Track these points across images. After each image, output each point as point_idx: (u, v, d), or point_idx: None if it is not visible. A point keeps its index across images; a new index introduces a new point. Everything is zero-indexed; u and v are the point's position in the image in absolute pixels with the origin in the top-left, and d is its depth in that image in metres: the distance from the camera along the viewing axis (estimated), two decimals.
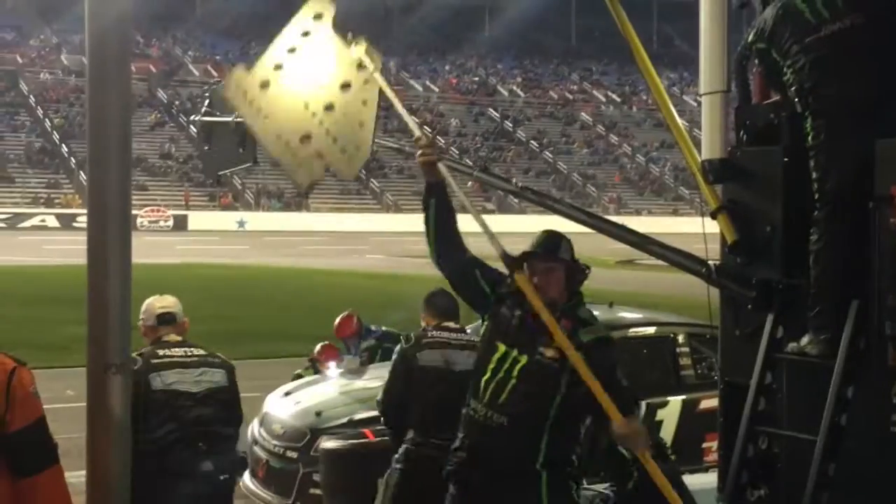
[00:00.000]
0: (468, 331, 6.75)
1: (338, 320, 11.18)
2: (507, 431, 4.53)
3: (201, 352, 5.80)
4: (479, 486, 4.61)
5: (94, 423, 3.79)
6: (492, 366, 4.61)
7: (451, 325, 6.57)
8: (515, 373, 4.56)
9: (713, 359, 9.97)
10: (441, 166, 4.89)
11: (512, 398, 4.54)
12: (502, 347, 4.62)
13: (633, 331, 9.77)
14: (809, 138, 4.85)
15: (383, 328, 11.36)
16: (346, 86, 4.84)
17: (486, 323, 4.81)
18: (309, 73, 4.97)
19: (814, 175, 4.84)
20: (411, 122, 4.95)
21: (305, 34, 5.03)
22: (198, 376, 5.60)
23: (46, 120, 64.74)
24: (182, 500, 5.32)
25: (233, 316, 21.92)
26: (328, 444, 7.96)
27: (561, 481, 4.58)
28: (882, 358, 4.63)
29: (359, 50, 4.96)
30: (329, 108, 4.88)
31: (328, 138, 4.93)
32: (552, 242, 4.76)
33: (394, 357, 6.58)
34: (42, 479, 4.02)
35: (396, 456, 6.31)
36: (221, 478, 5.51)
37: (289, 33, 5.12)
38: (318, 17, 5.01)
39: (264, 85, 5.01)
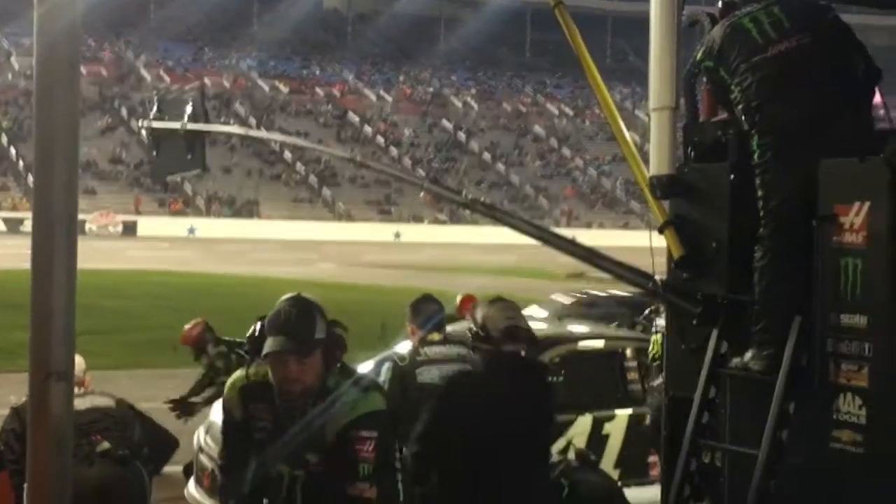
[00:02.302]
0: (452, 342, 6.77)
1: (186, 328, 11.32)
2: None
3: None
4: None
5: (36, 430, 3.75)
6: (275, 487, 4.10)
7: (436, 337, 6.57)
8: (299, 491, 4.05)
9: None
10: None
11: None
12: (272, 468, 4.08)
13: (581, 344, 9.81)
14: (756, 156, 4.90)
15: (237, 339, 11.44)
16: None
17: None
18: None
19: (759, 193, 4.89)
20: None
21: None
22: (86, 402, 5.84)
23: None
24: (88, 483, 5.32)
25: (182, 324, 21.75)
26: None
27: None
28: (824, 374, 4.69)
29: None
30: None
31: None
32: (306, 323, 3.99)
33: (387, 377, 6.52)
34: None
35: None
36: (120, 452, 5.55)
37: None
38: None
39: None
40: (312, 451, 4.00)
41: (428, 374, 6.32)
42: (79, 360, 6.09)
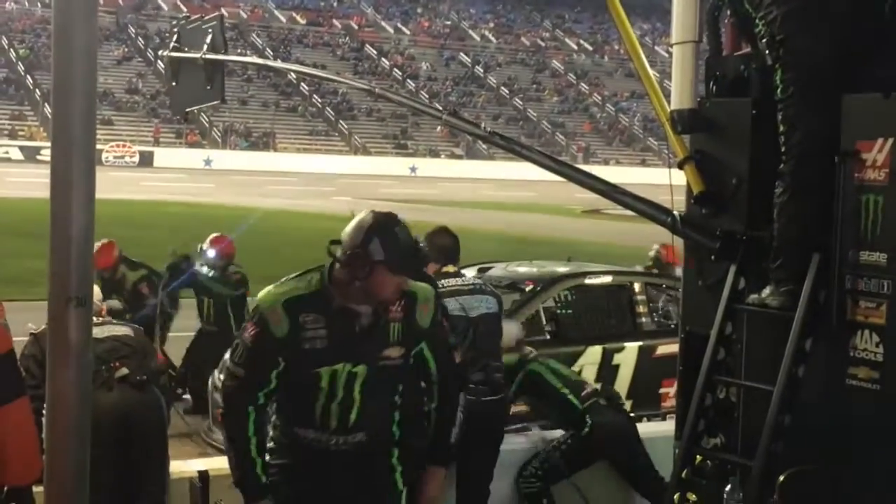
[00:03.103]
0: (466, 273, 6.79)
1: (97, 249, 10.30)
2: (365, 445, 4.21)
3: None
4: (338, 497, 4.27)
5: (56, 355, 3.79)
6: (323, 392, 4.15)
7: (450, 269, 6.51)
8: (358, 389, 4.17)
9: (668, 307, 10.13)
10: None
11: (364, 415, 4.18)
12: (325, 371, 4.13)
13: (588, 279, 9.89)
14: (778, 91, 4.85)
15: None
16: None
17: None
18: None
19: (781, 128, 4.85)
20: None
21: None
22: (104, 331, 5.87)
23: (11, 50, 63.90)
24: (107, 408, 5.38)
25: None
26: None
27: (409, 452, 4.40)
28: (841, 311, 4.68)
29: None
30: None
31: None
32: (413, 248, 4.21)
33: None
34: (10, 410, 4.03)
35: None
36: (139, 378, 5.60)
37: None
38: None
39: None
40: (395, 345, 4.23)
41: (452, 305, 6.24)
42: (95, 290, 6.13)
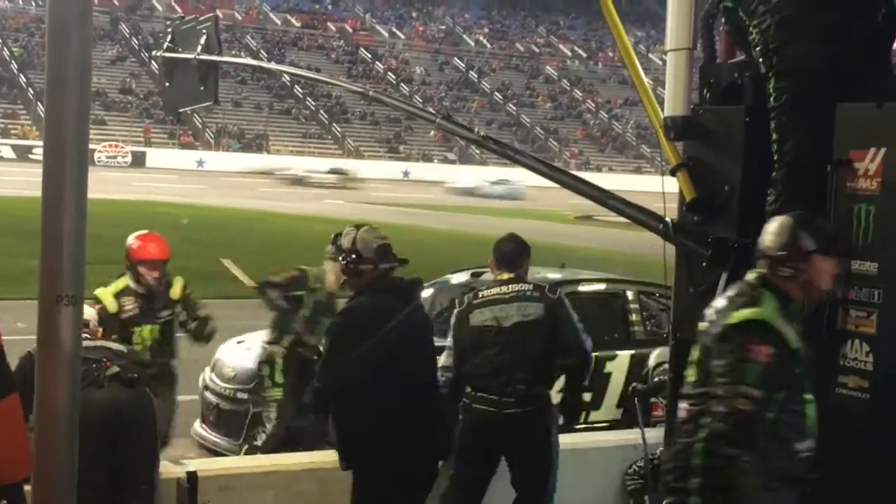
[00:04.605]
0: (528, 282, 6.39)
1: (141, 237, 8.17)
2: None
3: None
4: None
5: (45, 354, 3.78)
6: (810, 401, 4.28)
7: (505, 276, 6.24)
8: None
9: (660, 316, 10.11)
10: None
11: None
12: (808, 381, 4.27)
13: (582, 287, 9.88)
14: (772, 99, 4.87)
15: None
16: None
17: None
18: None
19: (774, 136, 4.86)
20: None
21: None
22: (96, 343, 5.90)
23: (5, 49, 63.80)
24: (99, 404, 5.36)
25: (187, 254, 21.83)
26: None
27: None
28: (832, 320, 4.69)
29: None
30: None
31: None
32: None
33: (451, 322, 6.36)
34: (1, 407, 4.02)
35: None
36: (130, 375, 5.59)
37: None
38: None
39: None
40: None
41: (480, 317, 6.09)
42: (91, 312, 6.12)
